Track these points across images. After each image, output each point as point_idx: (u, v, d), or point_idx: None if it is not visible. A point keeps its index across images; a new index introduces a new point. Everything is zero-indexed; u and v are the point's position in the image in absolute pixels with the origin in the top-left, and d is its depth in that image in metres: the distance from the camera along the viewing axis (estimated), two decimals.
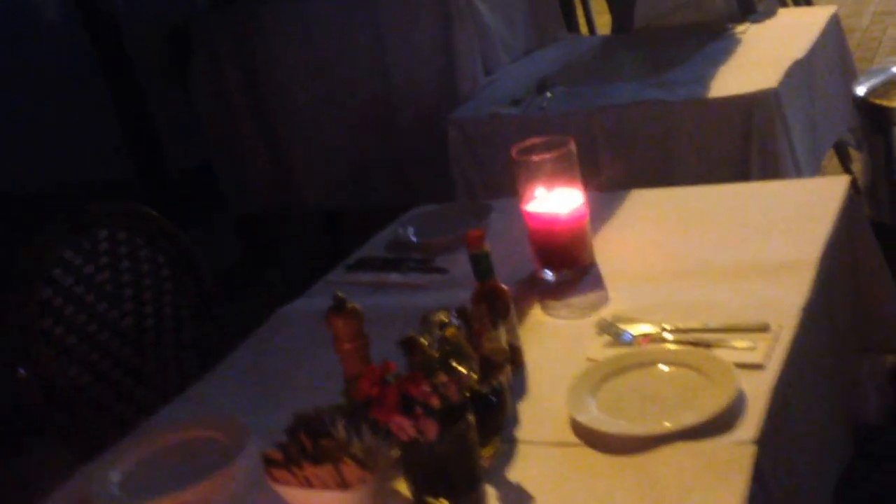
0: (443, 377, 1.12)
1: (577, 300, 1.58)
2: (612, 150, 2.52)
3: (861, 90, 1.83)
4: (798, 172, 2.33)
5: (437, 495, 1.12)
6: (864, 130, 1.85)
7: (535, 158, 1.61)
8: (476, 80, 3.06)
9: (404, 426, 1.07)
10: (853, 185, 1.85)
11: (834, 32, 2.82)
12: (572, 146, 1.60)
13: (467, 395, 1.16)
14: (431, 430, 1.07)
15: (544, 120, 2.60)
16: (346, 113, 3.25)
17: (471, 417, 1.13)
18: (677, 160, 2.44)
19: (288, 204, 3.47)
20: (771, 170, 2.26)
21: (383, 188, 3.27)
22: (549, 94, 2.75)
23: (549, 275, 1.65)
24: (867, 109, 1.82)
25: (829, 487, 1.47)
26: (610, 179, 2.40)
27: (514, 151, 1.63)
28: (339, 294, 1.31)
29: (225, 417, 1.44)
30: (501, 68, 3.18)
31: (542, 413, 1.30)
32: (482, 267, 1.39)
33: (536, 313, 1.59)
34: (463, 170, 2.79)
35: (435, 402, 1.09)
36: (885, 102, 1.78)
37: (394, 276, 1.85)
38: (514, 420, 1.30)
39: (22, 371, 1.78)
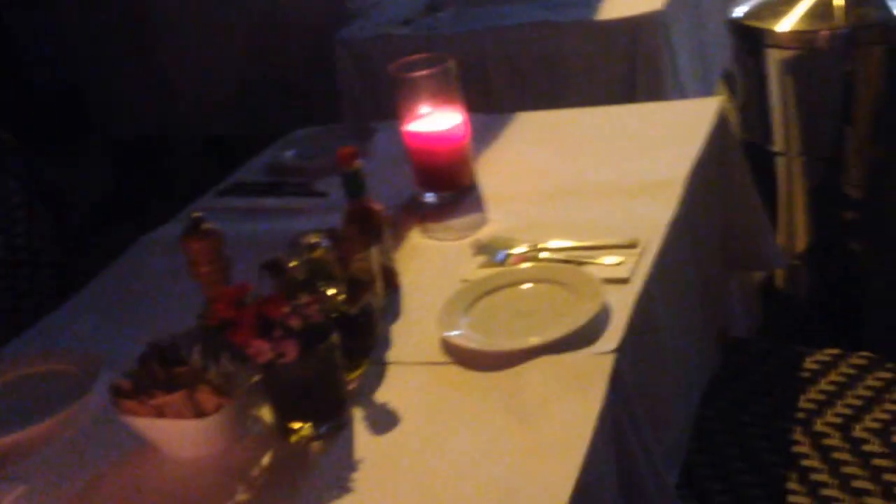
0: (304, 298, 1.10)
1: (455, 222, 1.57)
2: (502, 71, 2.50)
3: (736, 13, 1.84)
4: (683, 96, 2.35)
5: (300, 419, 1.11)
6: (737, 53, 1.87)
7: (414, 75, 1.58)
8: None
9: (262, 349, 1.05)
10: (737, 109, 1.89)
11: None
12: (452, 64, 1.57)
13: (332, 316, 1.14)
14: (291, 351, 1.05)
15: (434, 40, 2.56)
16: (230, 32, 3.13)
17: (335, 339, 1.11)
18: (567, 82, 2.43)
19: (167, 129, 3.34)
20: (655, 92, 2.27)
21: (271, 112, 3.18)
22: (439, 14, 2.70)
23: (429, 197, 1.63)
24: (739, 31, 1.84)
25: (695, 396, 1.52)
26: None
27: (392, 68, 1.59)
28: (196, 214, 1.27)
29: (76, 349, 1.38)
30: None
31: (414, 334, 1.30)
32: (353, 185, 1.36)
33: (415, 236, 1.57)
34: (351, 91, 2.73)
35: (295, 323, 1.06)
36: (755, 24, 1.80)
37: (270, 201, 1.81)
38: (386, 342, 1.29)
39: None
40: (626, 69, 2.32)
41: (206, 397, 1.07)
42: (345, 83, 2.73)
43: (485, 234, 1.50)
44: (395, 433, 1.11)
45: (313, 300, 1.09)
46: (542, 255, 1.39)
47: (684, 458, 1.43)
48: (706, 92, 2.57)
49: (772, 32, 1.75)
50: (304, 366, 1.08)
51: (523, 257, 1.40)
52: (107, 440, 1.19)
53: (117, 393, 1.10)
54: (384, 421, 1.14)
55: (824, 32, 1.70)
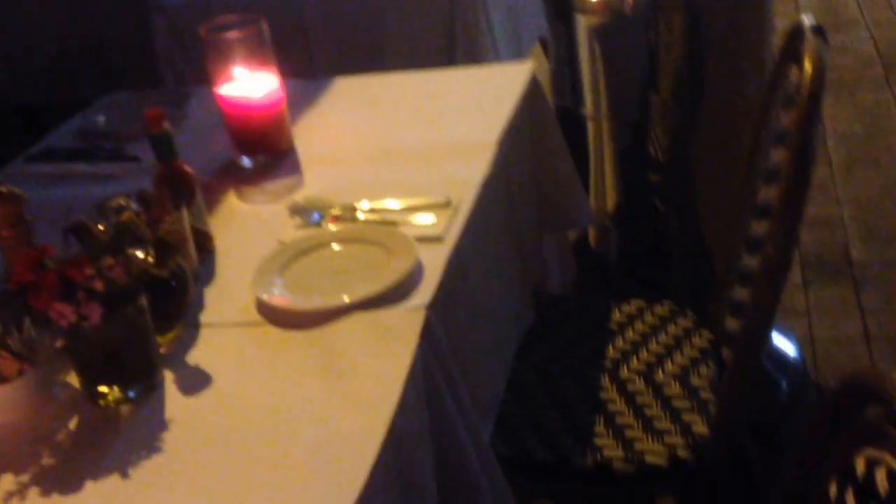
0: (109, 260, 1.07)
1: (272, 185, 1.56)
2: (322, 36, 2.48)
3: None
4: (500, 60, 2.40)
5: (108, 383, 1.08)
6: (548, 17, 1.93)
7: (226, 36, 1.55)
8: None
9: (64, 312, 1.02)
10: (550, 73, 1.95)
11: None
12: (264, 24, 1.55)
13: (140, 279, 1.12)
14: (94, 314, 1.02)
15: (254, 4, 2.51)
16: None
17: (142, 302, 1.09)
18: (388, 47, 2.45)
19: None
20: (473, 56, 2.32)
21: (88, 79, 3.04)
22: None
23: (245, 161, 1.61)
24: None
25: (510, 351, 1.57)
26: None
27: (203, 29, 1.56)
28: None
29: None
30: None
31: (228, 297, 1.29)
32: (161, 147, 1.33)
33: (231, 199, 1.56)
34: (170, 58, 2.65)
35: (98, 285, 1.04)
36: None
37: (81, 166, 1.74)
38: (199, 304, 1.27)
39: None
40: (444, 34, 2.36)
41: (5, 363, 1.03)
42: (163, 49, 2.65)
43: (301, 196, 1.50)
44: (207, 394, 1.10)
45: (118, 262, 1.07)
46: (358, 215, 1.40)
47: (499, 409, 1.48)
48: (522, 57, 2.64)
49: None
50: (110, 329, 1.05)
51: (339, 218, 1.41)
52: None
53: None
54: (196, 382, 1.12)
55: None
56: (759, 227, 1.17)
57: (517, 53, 2.64)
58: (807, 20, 1.22)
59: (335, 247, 1.33)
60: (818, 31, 1.17)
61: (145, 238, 1.19)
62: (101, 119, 1.88)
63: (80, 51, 3.06)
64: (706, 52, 1.83)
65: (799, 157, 1.07)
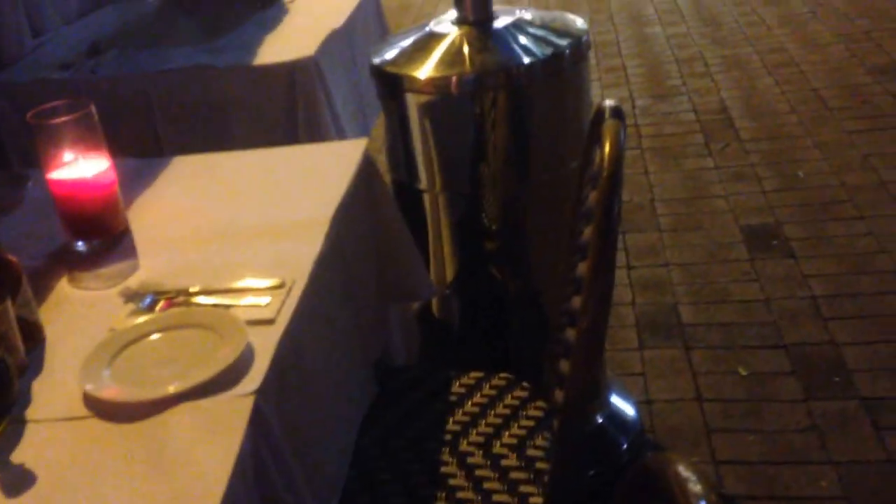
0: None
1: (106, 270, 1.54)
2: (168, 115, 2.47)
3: (376, 59, 1.96)
4: (342, 136, 2.45)
5: None
6: (380, 95, 1.99)
7: (53, 122, 1.53)
8: (22, 41, 2.84)
9: None
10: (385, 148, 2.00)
11: (372, 4, 3.02)
12: (92, 108, 1.55)
13: None
14: None
15: (96, 84, 2.49)
16: None
17: None
18: (233, 125, 2.46)
19: None
20: (316, 133, 2.36)
21: None
22: (101, 58, 2.63)
23: (79, 245, 1.59)
24: (381, 77, 1.95)
25: (353, 426, 1.59)
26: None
27: (29, 115, 1.54)
28: None
29: None
30: (52, 30, 2.99)
31: (57, 389, 1.26)
32: None
33: (63, 286, 1.53)
34: (14, 138, 2.59)
35: None
36: (395, 70, 1.92)
37: None
38: (26, 399, 1.24)
39: None
40: (286, 112, 2.39)
41: None
42: (6, 131, 2.59)
43: (135, 280, 1.49)
44: (31, 494, 1.07)
45: None
46: (193, 299, 1.40)
47: (343, 487, 1.49)
48: (366, 132, 2.71)
49: (410, 77, 1.88)
50: None
51: (172, 302, 1.40)
52: None
53: None
54: (20, 483, 1.09)
55: (454, 78, 1.85)
56: (576, 301, 1.23)
57: (363, 130, 2.70)
58: (608, 102, 1.31)
59: (166, 333, 1.32)
60: (617, 112, 1.26)
61: None
62: None
63: None
64: (529, 127, 1.92)
65: (601, 232, 1.14)
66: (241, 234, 1.58)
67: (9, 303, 1.27)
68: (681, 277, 2.94)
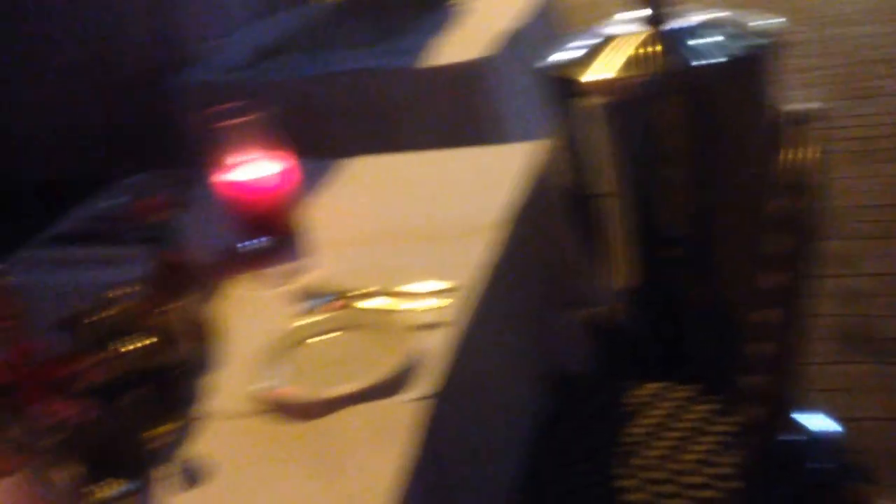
0: (101, 354, 1.04)
1: (276, 270, 1.53)
2: (336, 117, 2.49)
3: (546, 62, 1.89)
4: (514, 139, 2.40)
5: (98, 480, 1.05)
6: (553, 99, 1.92)
7: (230, 124, 1.55)
8: (203, 43, 2.94)
9: (53, 410, 0.99)
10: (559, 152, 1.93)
11: (547, 5, 2.95)
12: (270, 110, 1.55)
13: (134, 371, 1.09)
14: (83, 411, 0.99)
15: (267, 86, 2.54)
16: (63, 74, 3.02)
17: (135, 396, 1.06)
18: (401, 128, 2.45)
19: None
20: (488, 136, 2.31)
21: (106, 157, 3.07)
22: (274, 61, 2.69)
23: (252, 244, 1.59)
24: (552, 80, 1.89)
25: (523, 436, 1.52)
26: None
27: (207, 117, 1.56)
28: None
29: None
30: (232, 33, 3.08)
31: (227, 387, 1.25)
32: (159, 236, 1.32)
33: (236, 286, 1.53)
34: (188, 137, 2.67)
35: (88, 381, 1.01)
36: (566, 73, 1.85)
37: (94, 251, 1.73)
38: (200, 395, 1.24)
39: None
40: (456, 114, 2.36)
41: (3, 457, 1.00)
42: (181, 129, 2.67)
43: (305, 281, 1.47)
44: (201, 490, 1.06)
45: (106, 357, 1.04)
46: (362, 301, 1.37)
47: (513, 499, 1.42)
48: (538, 135, 2.64)
49: (588, 80, 1.81)
50: (99, 425, 1.02)
51: (343, 303, 1.38)
52: None
53: None
54: (193, 478, 1.08)
55: (631, 80, 1.76)
56: (769, 312, 1.13)
57: (535, 133, 2.64)
58: (801, 105, 1.20)
59: (337, 334, 1.30)
60: (811, 115, 1.15)
61: (144, 328, 1.17)
62: (114, 202, 1.88)
63: (98, 128, 3.09)
64: (713, 131, 1.81)
65: (798, 242, 1.03)
66: (412, 236, 1.55)
67: (182, 301, 1.28)
68: (881, 288, 2.72)
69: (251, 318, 1.42)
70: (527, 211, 1.59)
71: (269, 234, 1.58)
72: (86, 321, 1.13)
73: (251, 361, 1.25)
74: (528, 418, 1.54)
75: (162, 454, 1.12)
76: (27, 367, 1.00)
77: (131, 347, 1.11)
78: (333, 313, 1.35)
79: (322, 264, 1.52)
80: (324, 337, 1.29)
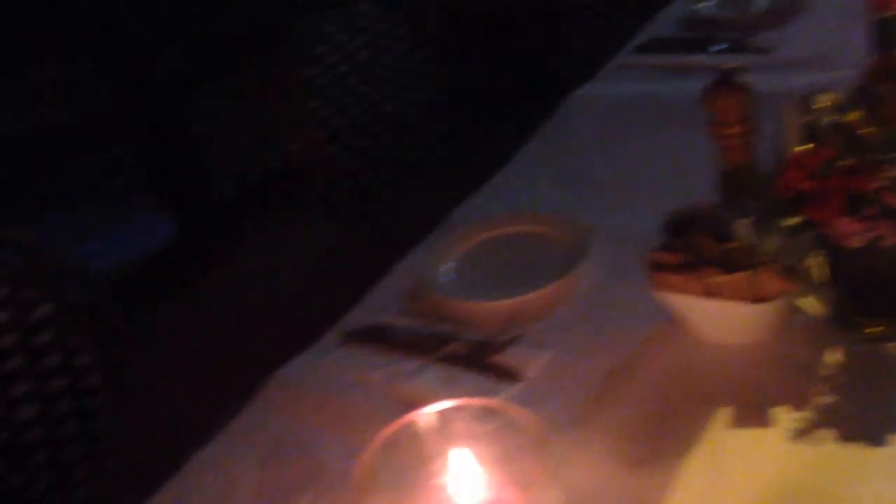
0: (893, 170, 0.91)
1: None
2: None
3: None
4: None
5: (873, 316, 0.94)
6: None
7: None
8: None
9: (854, 230, 0.88)
10: None
11: None
12: None
13: None
14: (890, 234, 0.88)
15: None
16: None
17: None
18: None
19: None
20: None
21: None
22: None
23: None
24: None
25: None
26: None
27: None
28: (724, 66, 1.10)
29: (552, 214, 1.28)
30: None
31: None
32: (889, 34, 1.14)
33: None
34: None
35: (891, 200, 0.89)
36: None
37: (699, 57, 1.61)
38: None
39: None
40: None
41: (769, 280, 0.93)
42: None
43: None
44: None
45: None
46: None
47: None
48: None
49: None
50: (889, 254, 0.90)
51: None
52: (610, 314, 1.08)
53: (658, 267, 0.98)
54: None
55: None
56: None
57: None
58: None
59: None
60: None
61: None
62: (709, 5, 1.74)
63: None
64: None
65: None
66: None
67: None
68: None
69: None
70: None
71: None
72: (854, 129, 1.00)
73: None
74: None
75: None
76: (822, 178, 0.90)
77: None
78: None
79: None
80: None
